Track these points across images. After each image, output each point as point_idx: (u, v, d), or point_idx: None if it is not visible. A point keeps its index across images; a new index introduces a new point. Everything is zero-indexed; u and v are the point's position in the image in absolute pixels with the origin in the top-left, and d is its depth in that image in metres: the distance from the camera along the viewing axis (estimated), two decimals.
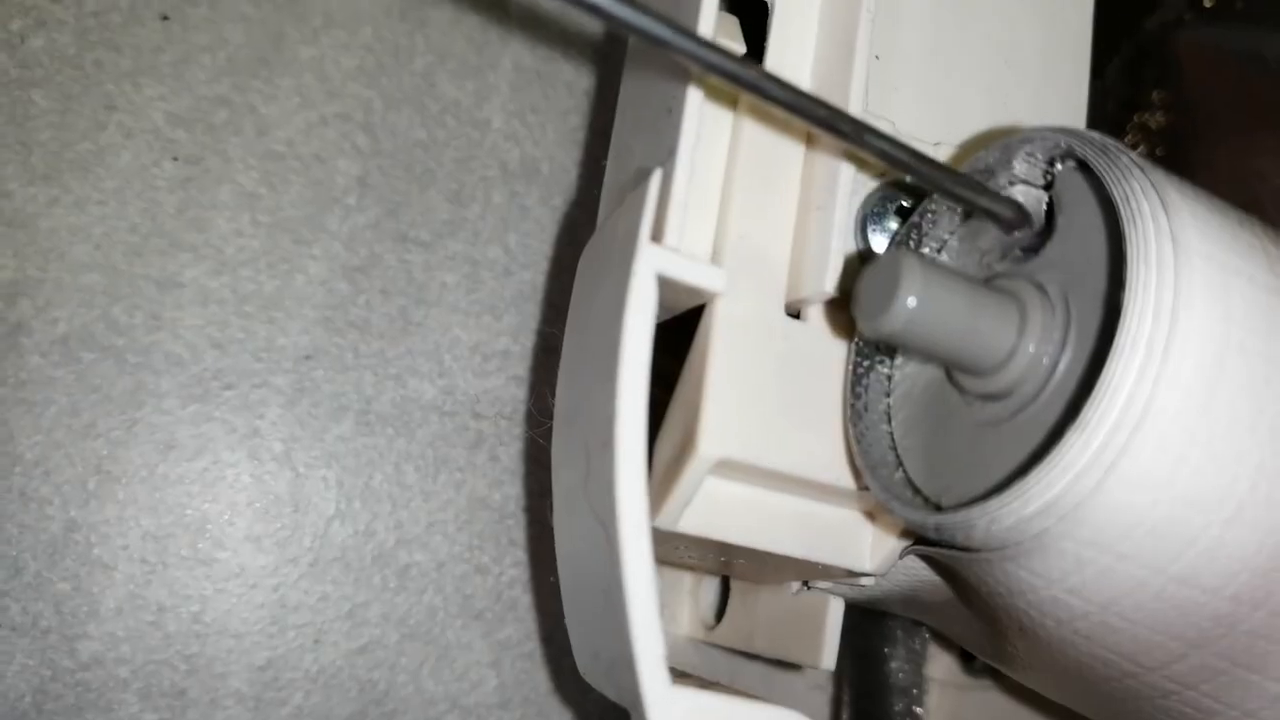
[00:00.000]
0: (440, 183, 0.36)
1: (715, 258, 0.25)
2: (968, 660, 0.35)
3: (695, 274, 0.23)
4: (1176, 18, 0.48)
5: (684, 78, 0.24)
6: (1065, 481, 0.19)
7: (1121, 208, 0.19)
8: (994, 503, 0.20)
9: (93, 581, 0.31)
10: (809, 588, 0.30)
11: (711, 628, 0.34)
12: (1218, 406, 0.19)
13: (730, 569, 0.32)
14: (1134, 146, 0.45)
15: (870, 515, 0.26)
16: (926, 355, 0.23)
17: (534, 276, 0.37)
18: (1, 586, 0.31)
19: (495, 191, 0.36)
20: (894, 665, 0.34)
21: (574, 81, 0.38)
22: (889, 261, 0.21)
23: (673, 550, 0.30)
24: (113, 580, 0.32)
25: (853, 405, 0.25)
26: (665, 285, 0.24)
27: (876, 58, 0.28)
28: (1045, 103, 0.30)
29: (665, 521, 0.25)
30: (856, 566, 0.27)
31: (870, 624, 0.35)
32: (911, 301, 0.20)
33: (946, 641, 0.35)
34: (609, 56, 0.38)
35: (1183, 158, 0.44)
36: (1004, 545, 0.21)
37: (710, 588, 0.35)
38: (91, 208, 0.32)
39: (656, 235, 0.23)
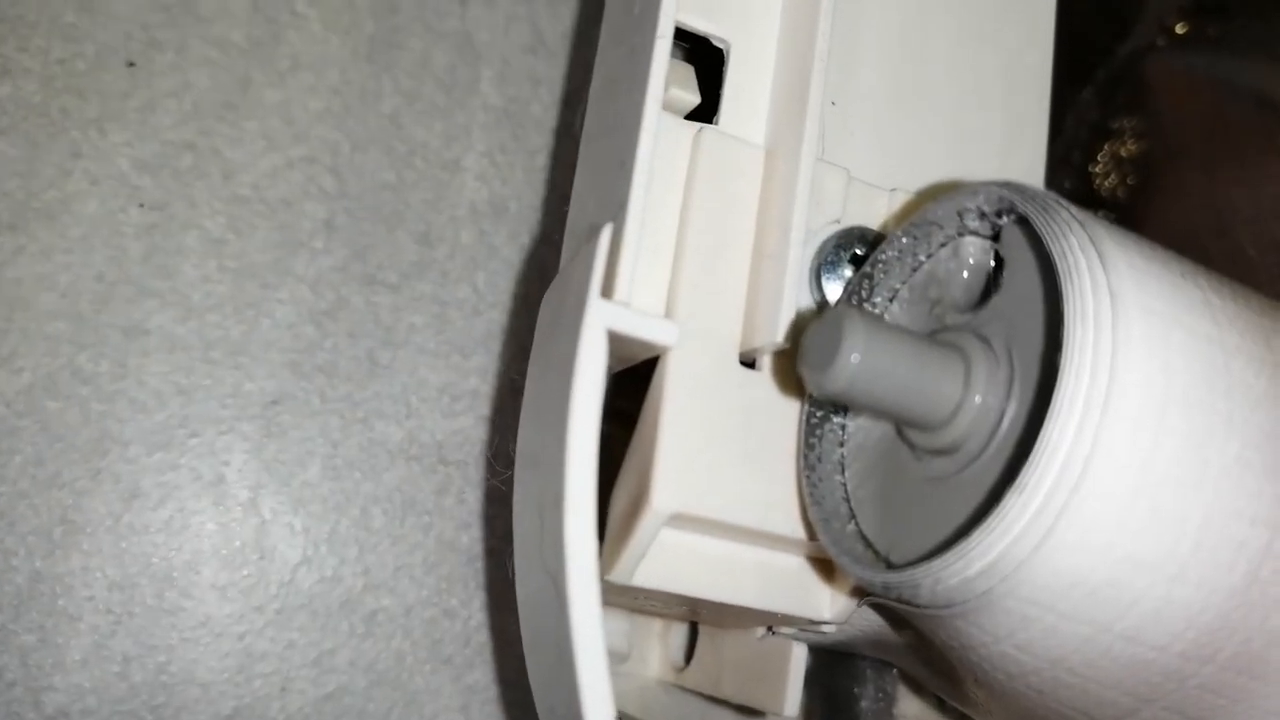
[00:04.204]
0: (408, 224, 0.36)
1: (669, 309, 0.25)
2: (939, 700, 0.35)
3: (646, 329, 0.23)
4: (1149, 44, 0.48)
5: (636, 132, 0.24)
6: (1005, 544, 0.19)
7: (1059, 263, 0.19)
8: (937, 563, 0.20)
9: (58, 633, 0.31)
10: (773, 633, 0.30)
11: (681, 670, 0.34)
12: (1159, 463, 0.19)
13: (696, 616, 0.32)
14: (1105, 175, 0.45)
15: (828, 564, 0.26)
16: (874, 412, 0.23)
17: (503, 315, 0.37)
18: None
19: (464, 231, 0.36)
20: (864, 705, 0.34)
21: (542, 120, 0.38)
22: (832, 319, 0.21)
23: (634, 600, 0.29)
24: (78, 631, 0.31)
25: (806, 456, 0.25)
26: (617, 339, 0.24)
27: (833, 104, 0.28)
28: (1005, 147, 0.30)
29: (620, 575, 0.25)
30: (815, 616, 0.27)
31: (839, 664, 0.35)
32: (855, 358, 0.20)
33: (917, 681, 0.35)
34: (576, 95, 0.38)
35: (1155, 185, 0.44)
36: (950, 604, 0.20)
37: (680, 630, 0.35)
38: (58, 256, 0.32)
39: (606, 291, 0.23)
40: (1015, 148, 0.30)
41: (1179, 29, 0.48)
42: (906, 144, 0.28)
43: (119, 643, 0.32)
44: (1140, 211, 0.44)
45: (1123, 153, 0.45)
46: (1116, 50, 0.48)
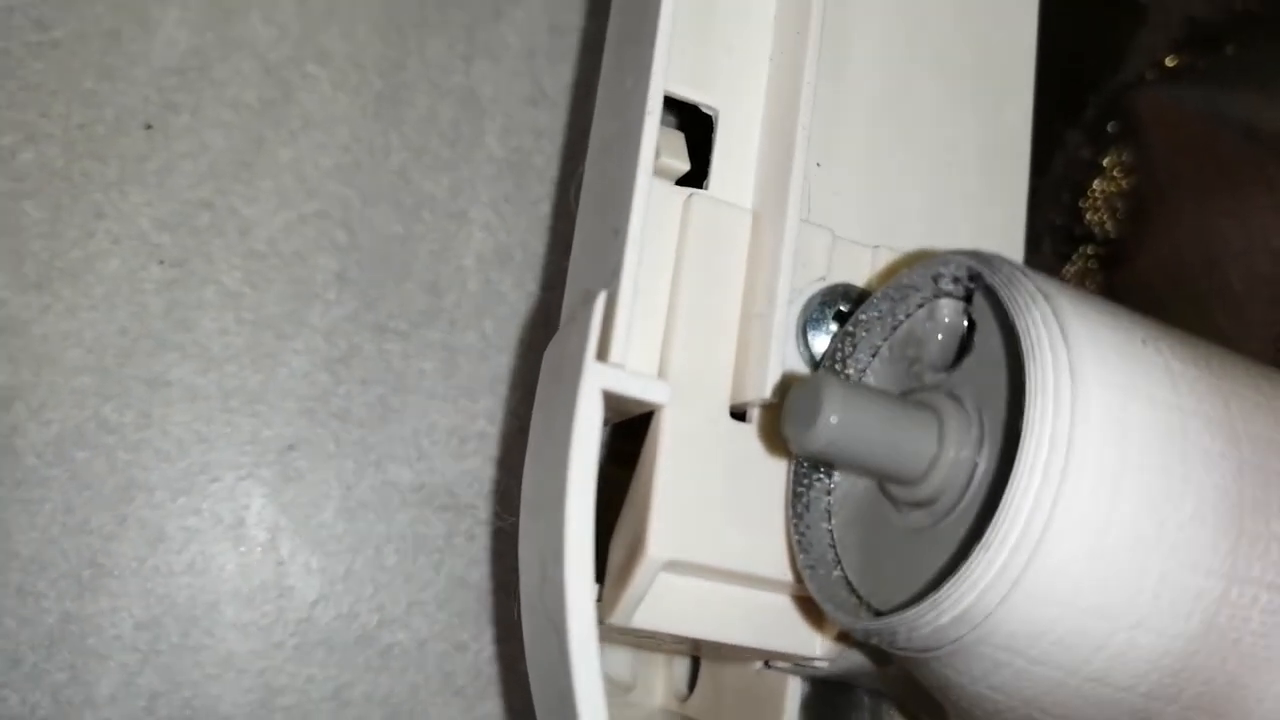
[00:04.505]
0: (417, 274, 0.37)
1: (662, 367, 0.26)
2: None
3: (639, 388, 0.25)
4: (1139, 77, 0.49)
5: (628, 205, 0.25)
6: (973, 597, 0.20)
7: (1022, 338, 0.21)
8: (912, 613, 0.21)
9: (88, 671, 0.33)
10: (770, 666, 0.31)
11: (684, 699, 0.36)
12: (1117, 524, 0.20)
13: (697, 651, 0.34)
14: (1095, 210, 0.46)
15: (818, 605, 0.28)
16: (855, 469, 0.25)
17: (510, 360, 0.38)
18: (1, 678, 0.32)
19: (470, 280, 0.38)
20: None
21: (544, 170, 0.39)
22: (812, 384, 0.22)
23: (637, 637, 0.31)
24: (107, 669, 0.33)
25: (794, 505, 0.26)
26: (613, 397, 0.25)
27: (818, 165, 0.29)
28: (984, 202, 0.31)
29: (620, 618, 0.26)
30: (807, 653, 0.28)
31: (837, 694, 0.36)
32: (833, 419, 0.22)
33: (912, 714, 0.36)
34: (577, 145, 0.39)
35: (1144, 220, 0.45)
36: (926, 649, 0.22)
37: (684, 661, 0.36)
38: (82, 313, 0.34)
39: (601, 354, 0.25)
40: (994, 203, 0.31)
41: (1169, 62, 0.49)
42: (889, 202, 0.29)
43: (146, 679, 0.33)
44: (1130, 246, 0.45)
45: (1113, 188, 0.46)
46: (1106, 85, 0.49)
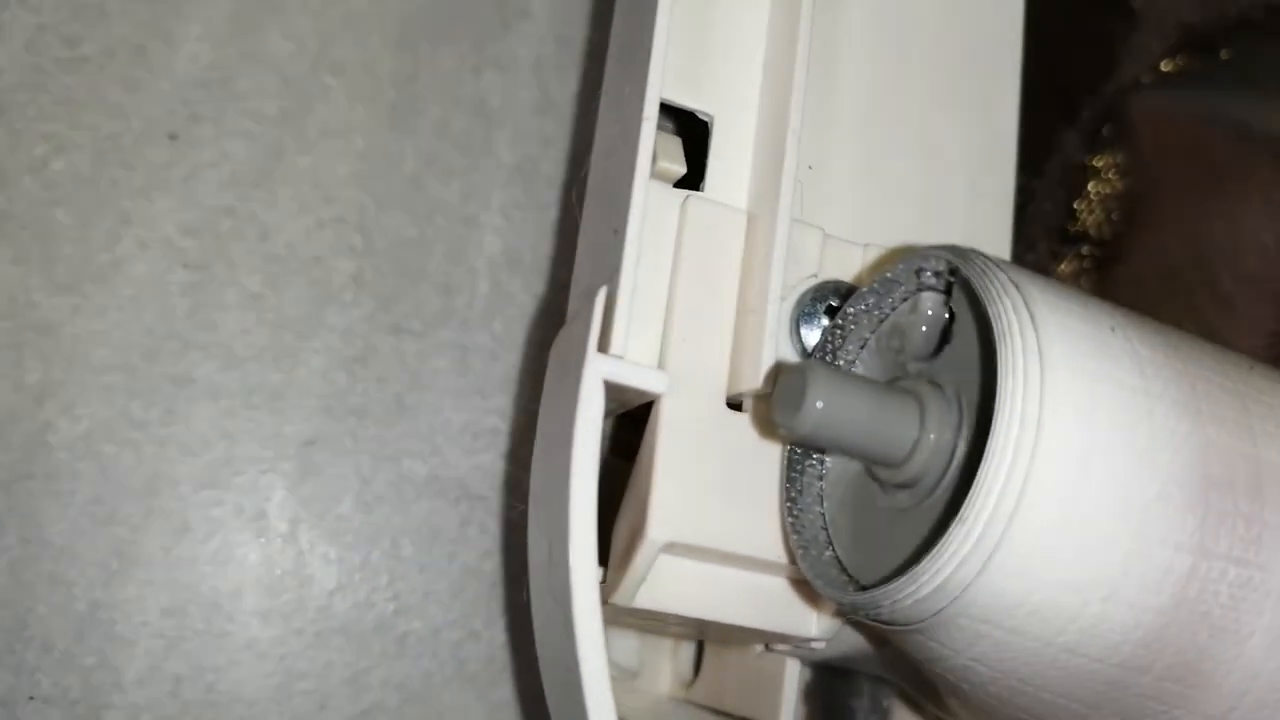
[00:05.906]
0: (430, 276, 0.39)
1: (661, 360, 0.28)
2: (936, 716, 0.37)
3: (638, 379, 0.26)
4: (1134, 81, 0.50)
5: (627, 205, 0.27)
6: (951, 569, 0.21)
7: (994, 324, 0.22)
8: (895, 586, 0.22)
9: (116, 656, 0.34)
10: (770, 650, 0.32)
11: (689, 685, 0.37)
12: (1085, 500, 0.21)
13: (701, 635, 0.35)
14: (1090, 211, 0.47)
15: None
16: (841, 451, 0.26)
17: (519, 359, 0.39)
18: (34, 662, 0.34)
19: (481, 282, 0.39)
20: (860, 718, 0.37)
21: (552, 176, 0.41)
22: (799, 370, 0.23)
23: (642, 621, 0.32)
24: (134, 654, 0.34)
25: (788, 490, 0.27)
26: (614, 388, 0.26)
27: (810, 168, 0.30)
28: (971, 202, 0.32)
29: (623, 599, 0.28)
30: (803, 633, 0.29)
31: (838, 679, 0.37)
32: (819, 405, 0.23)
33: (912, 697, 0.37)
34: (583, 152, 0.41)
35: (1137, 221, 0.47)
36: (909, 622, 0.23)
37: (689, 647, 0.38)
38: (110, 314, 0.36)
39: (603, 346, 0.26)
40: (982, 202, 0.32)
41: (1164, 66, 0.50)
42: (879, 202, 0.31)
43: (171, 664, 0.35)
44: (1124, 247, 0.46)
45: (1107, 189, 0.47)
46: (1102, 89, 0.50)
